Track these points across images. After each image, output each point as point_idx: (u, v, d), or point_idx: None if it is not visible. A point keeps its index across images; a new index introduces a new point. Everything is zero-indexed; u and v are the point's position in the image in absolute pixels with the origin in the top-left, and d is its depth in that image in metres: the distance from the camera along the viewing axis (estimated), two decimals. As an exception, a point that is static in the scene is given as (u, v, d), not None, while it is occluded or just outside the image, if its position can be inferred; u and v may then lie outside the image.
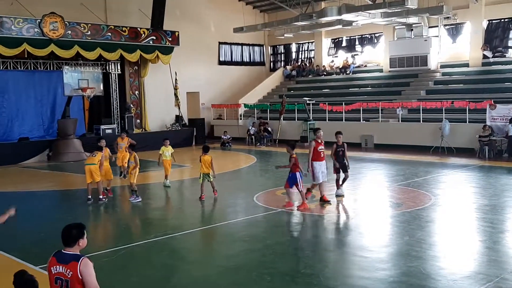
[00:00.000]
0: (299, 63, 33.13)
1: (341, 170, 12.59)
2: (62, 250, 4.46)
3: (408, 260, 7.93)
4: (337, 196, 12.55)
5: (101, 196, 13.04)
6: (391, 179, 15.73)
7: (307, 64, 32.69)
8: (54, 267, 4.39)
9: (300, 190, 11.44)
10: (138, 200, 12.98)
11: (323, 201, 11.81)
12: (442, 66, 26.22)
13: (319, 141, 12.02)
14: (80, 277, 4.30)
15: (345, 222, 10.80)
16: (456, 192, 13.48)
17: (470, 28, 25.35)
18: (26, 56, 22.13)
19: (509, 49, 24.67)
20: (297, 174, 11.42)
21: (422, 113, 22.12)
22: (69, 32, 22.34)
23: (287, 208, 11.48)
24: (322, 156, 11.94)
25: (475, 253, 8.36)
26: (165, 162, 15.01)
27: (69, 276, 4.32)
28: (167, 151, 15.10)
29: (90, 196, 12.99)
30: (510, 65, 23.95)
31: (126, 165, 15.57)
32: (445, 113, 21.35)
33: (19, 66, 22.58)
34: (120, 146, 16.58)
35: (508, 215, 11.06)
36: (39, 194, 15.14)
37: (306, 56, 33.52)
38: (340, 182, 12.72)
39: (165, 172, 15.06)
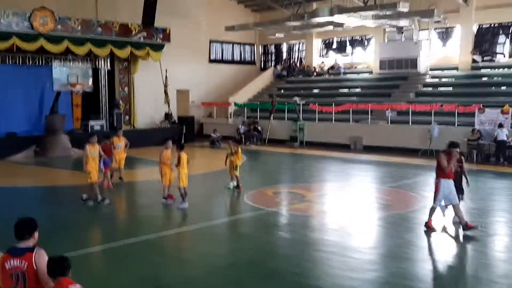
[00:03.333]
0: (289, 63, 33.15)
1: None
2: (16, 246, 4.49)
3: (397, 261, 7.97)
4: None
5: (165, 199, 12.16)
6: (379, 181, 15.79)
7: (298, 65, 32.72)
8: (8, 261, 4.41)
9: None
10: (185, 206, 11.70)
11: (468, 228, 9.35)
12: (432, 69, 26.39)
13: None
14: (35, 267, 4.34)
15: (334, 223, 10.80)
16: (444, 195, 13.53)
17: (460, 32, 25.55)
18: (14, 50, 21.84)
19: (498, 54, 24.90)
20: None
21: (411, 115, 22.24)
22: (59, 26, 22.10)
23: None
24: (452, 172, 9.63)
25: (464, 256, 8.42)
26: (230, 163, 13.69)
27: (24, 268, 4.35)
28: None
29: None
30: (499, 69, 24.18)
31: (123, 167, 14.99)
32: (434, 116, 21.49)
33: (7, 61, 22.28)
34: (118, 147, 14.76)
35: (496, 219, 11.16)
36: (24, 190, 14.94)
37: (296, 56, 33.56)
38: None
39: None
